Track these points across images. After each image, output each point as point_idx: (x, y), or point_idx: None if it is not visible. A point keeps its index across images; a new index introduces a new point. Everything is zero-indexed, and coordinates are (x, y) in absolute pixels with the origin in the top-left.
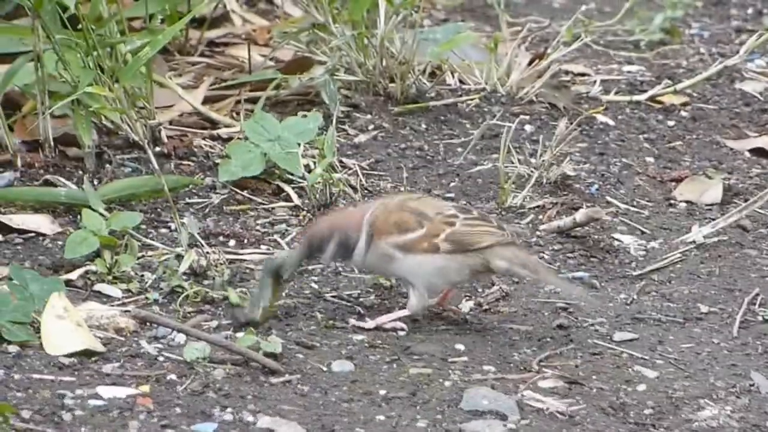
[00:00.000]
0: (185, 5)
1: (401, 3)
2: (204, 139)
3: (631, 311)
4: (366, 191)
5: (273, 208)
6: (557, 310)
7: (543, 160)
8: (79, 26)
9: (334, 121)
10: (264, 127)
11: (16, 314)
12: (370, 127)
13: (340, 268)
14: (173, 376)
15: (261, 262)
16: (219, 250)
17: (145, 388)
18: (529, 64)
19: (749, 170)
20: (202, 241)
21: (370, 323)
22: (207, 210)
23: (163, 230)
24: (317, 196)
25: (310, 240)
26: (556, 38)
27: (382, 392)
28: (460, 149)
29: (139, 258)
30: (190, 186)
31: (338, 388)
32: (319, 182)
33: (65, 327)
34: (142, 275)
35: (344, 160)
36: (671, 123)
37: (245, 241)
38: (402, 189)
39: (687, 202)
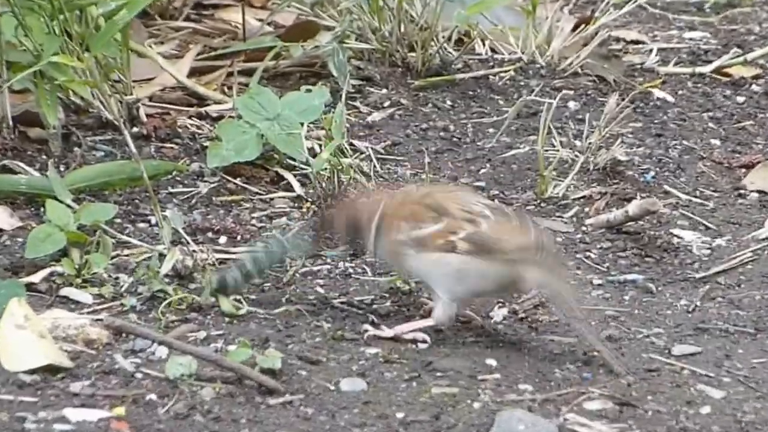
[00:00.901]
0: None
1: None
2: (190, 117)
3: (694, 320)
4: (381, 179)
5: (271, 199)
6: (606, 319)
7: (590, 143)
8: None
9: (343, 97)
10: (261, 103)
11: None
12: (386, 103)
13: (350, 270)
14: (153, 396)
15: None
16: (207, 249)
17: (120, 411)
18: (574, 29)
19: None
20: (188, 238)
21: (387, 331)
22: (193, 201)
23: (142, 225)
24: (323, 184)
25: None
26: None
27: (400, 415)
28: (491, 130)
29: (113, 258)
30: (174, 173)
31: (348, 410)
32: (325, 169)
33: (26, 338)
34: (117, 278)
35: (355, 142)
36: (741, 99)
37: (238, 237)
38: (430, 178)
39: (759, 191)
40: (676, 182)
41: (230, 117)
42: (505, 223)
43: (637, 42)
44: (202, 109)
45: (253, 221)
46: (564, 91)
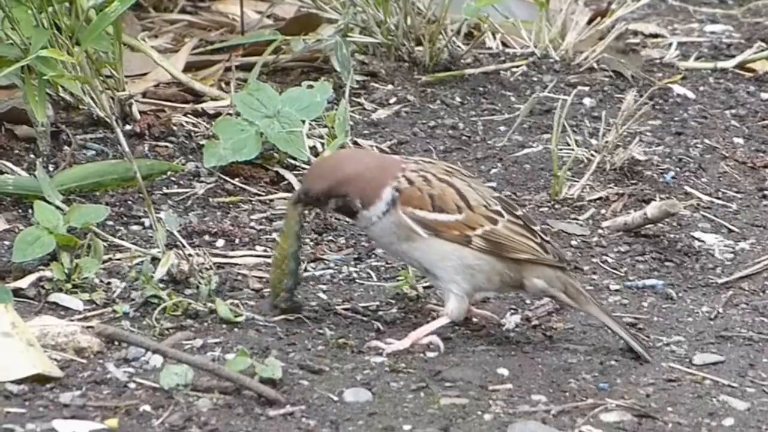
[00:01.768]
0: None
1: None
2: (185, 115)
3: (716, 328)
4: None
5: (271, 201)
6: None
7: (606, 142)
8: None
9: (347, 93)
10: (260, 100)
11: None
12: (392, 100)
13: (354, 275)
14: (147, 408)
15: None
16: (204, 252)
17: (113, 422)
18: (589, 22)
19: None
20: (183, 241)
21: (403, 342)
22: (189, 202)
23: (135, 227)
24: None
25: (305, 192)
26: None
27: (407, 427)
28: (503, 128)
29: (104, 262)
30: (169, 173)
31: (352, 422)
32: None
33: (13, 347)
34: (109, 283)
35: (359, 141)
36: (765, 96)
37: (236, 240)
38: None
39: None
40: (697, 183)
41: (228, 114)
42: (516, 222)
43: (655, 35)
44: (199, 106)
45: (252, 223)
46: (579, 87)
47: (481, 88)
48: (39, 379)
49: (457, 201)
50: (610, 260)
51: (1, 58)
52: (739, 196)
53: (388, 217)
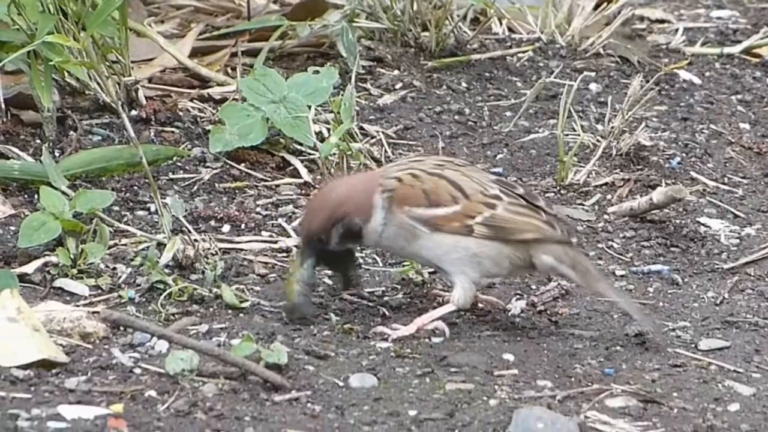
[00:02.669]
0: None
1: None
2: (191, 100)
3: (722, 313)
4: None
5: (277, 186)
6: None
7: (612, 127)
8: None
9: (353, 79)
10: (266, 85)
11: None
12: (398, 85)
13: (360, 260)
14: (153, 393)
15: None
16: (210, 238)
17: (118, 408)
18: (595, 8)
19: None
20: (189, 227)
21: (408, 328)
22: (195, 188)
23: (141, 213)
24: (332, 170)
25: (308, 237)
26: None
27: (412, 413)
28: (509, 113)
29: (110, 247)
30: (175, 158)
31: (358, 407)
32: (334, 154)
33: (19, 332)
34: (115, 268)
35: (365, 126)
36: None
37: (242, 226)
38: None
39: None
40: (703, 168)
41: (234, 99)
42: (517, 203)
43: (662, 21)
44: (205, 92)
45: (258, 209)
46: (585, 73)
47: (487, 74)
48: (44, 365)
49: (451, 192)
50: (615, 245)
51: (8, 43)
52: (745, 181)
53: (390, 223)
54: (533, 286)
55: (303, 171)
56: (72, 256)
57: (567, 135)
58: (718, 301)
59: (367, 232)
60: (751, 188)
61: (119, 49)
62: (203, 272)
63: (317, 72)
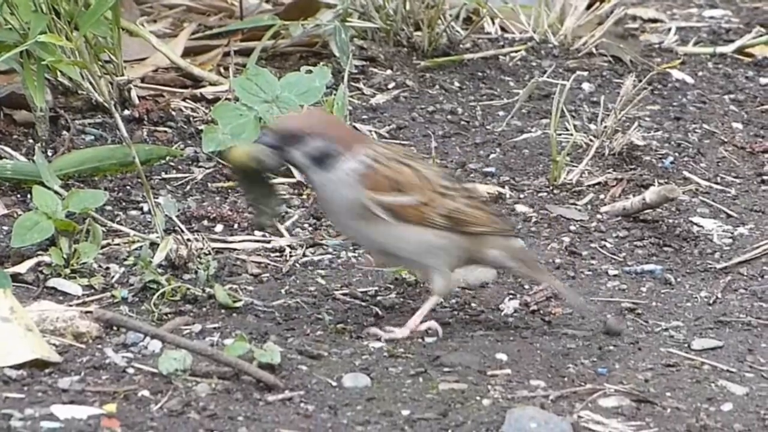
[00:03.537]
0: None
1: None
2: (184, 100)
3: (715, 313)
4: None
5: None
6: (622, 311)
7: (605, 127)
8: None
9: (345, 78)
10: (259, 85)
11: None
12: (391, 85)
13: (353, 259)
14: (146, 393)
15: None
16: (203, 237)
17: (111, 408)
18: (588, 7)
19: None
20: (182, 226)
21: (402, 331)
22: (188, 187)
23: (134, 212)
24: None
25: (287, 129)
26: None
27: (405, 413)
28: (502, 113)
29: (103, 247)
30: (167, 158)
31: (351, 407)
32: None
33: (11, 332)
34: (108, 268)
35: (358, 126)
36: (764, 81)
37: (235, 225)
38: (437, 163)
39: None
40: (696, 168)
41: (227, 99)
42: (468, 196)
43: (654, 20)
44: (197, 91)
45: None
46: (578, 72)
47: (479, 73)
48: (37, 365)
49: (413, 181)
50: (608, 245)
51: (0, 43)
52: (737, 181)
53: (352, 188)
54: (526, 286)
55: (295, 171)
56: (65, 256)
57: (560, 134)
58: (711, 301)
59: (335, 169)
60: (743, 188)
61: (112, 48)
62: (196, 272)
63: (310, 71)
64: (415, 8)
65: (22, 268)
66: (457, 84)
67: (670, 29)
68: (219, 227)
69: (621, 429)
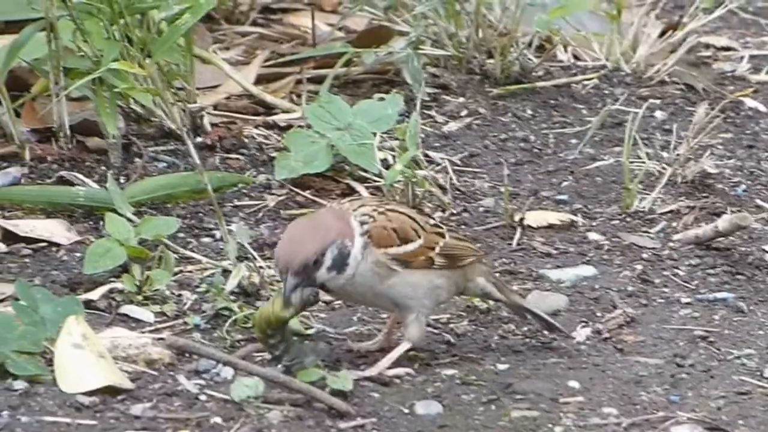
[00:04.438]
0: None
1: None
2: (257, 127)
3: None
4: (458, 192)
5: None
6: (695, 339)
7: (677, 155)
8: None
9: (418, 106)
10: (331, 112)
11: (23, 343)
12: (463, 112)
13: None
14: (218, 420)
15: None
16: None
17: None
18: (661, 35)
19: None
20: (255, 253)
21: (371, 370)
22: (260, 215)
23: (206, 239)
24: (397, 197)
25: (301, 263)
26: (693, 4)
27: None
28: (574, 141)
29: (175, 274)
30: (240, 185)
31: None
32: (399, 181)
33: (84, 358)
34: (180, 295)
35: (430, 153)
36: None
37: None
38: (509, 191)
39: None
40: None
41: (299, 126)
42: (451, 229)
43: (727, 48)
44: (270, 118)
45: None
46: (650, 100)
47: (552, 101)
48: (110, 391)
49: (413, 226)
50: (681, 273)
51: (73, 70)
52: None
53: (367, 259)
54: (598, 314)
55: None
56: (137, 283)
57: (632, 162)
58: None
59: (352, 259)
60: None
61: (184, 75)
62: (268, 299)
63: (382, 99)
64: (488, 36)
65: (94, 295)
66: (529, 112)
67: (742, 57)
68: None
69: None
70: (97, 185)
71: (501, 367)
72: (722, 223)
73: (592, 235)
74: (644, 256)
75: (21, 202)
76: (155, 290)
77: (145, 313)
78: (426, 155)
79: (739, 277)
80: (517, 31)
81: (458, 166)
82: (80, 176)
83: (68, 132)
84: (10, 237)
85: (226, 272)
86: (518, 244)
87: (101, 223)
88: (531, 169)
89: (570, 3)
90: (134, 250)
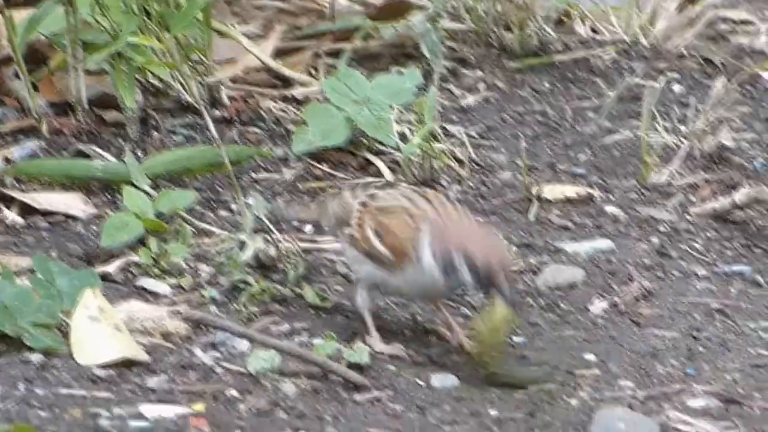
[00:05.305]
0: None
1: None
2: (274, 100)
3: None
4: (475, 165)
5: None
6: (711, 312)
7: (695, 128)
8: None
9: (436, 80)
10: (349, 86)
11: (39, 315)
12: (481, 86)
13: None
14: (234, 392)
15: None
16: (292, 237)
17: (200, 407)
18: (679, 9)
19: None
20: (271, 226)
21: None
22: (277, 188)
23: (223, 212)
24: (415, 171)
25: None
26: None
27: (493, 413)
28: (592, 114)
29: (192, 247)
30: (257, 158)
31: (439, 407)
32: (417, 154)
33: (100, 331)
34: (196, 268)
35: (448, 126)
36: None
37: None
38: (526, 165)
39: None
40: None
41: (317, 100)
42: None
43: (745, 22)
44: (288, 92)
45: None
46: (668, 74)
47: (570, 75)
48: (126, 364)
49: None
50: (698, 246)
51: (92, 44)
52: None
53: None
54: (615, 287)
55: (386, 171)
56: (154, 256)
57: (650, 136)
58: None
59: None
60: None
61: (202, 49)
62: (285, 272)
63: (400, 73)
64: (506, 9)
65: (111, 267)
66: (547, 85)
67: (761, 31)
68: (308, 227)
69: (709, 429)
70: (114, 158)
71: (517, 339)
72: (739, 196)
73: (609, 209)
74: (661, 229)
75: (39, 175)
76: (172, 263)
77: (161, 286)
78: (444, 129)
79: (756, 250)
80: (535, 5)
81: (476, 139)
82: (98, 150)
83: (86, 105)
84: (28, 210)
85: (242, 245)
86: (535, 218)
87: (118, 196)
88: (548, 143)
89: None
90: (151, 223)
